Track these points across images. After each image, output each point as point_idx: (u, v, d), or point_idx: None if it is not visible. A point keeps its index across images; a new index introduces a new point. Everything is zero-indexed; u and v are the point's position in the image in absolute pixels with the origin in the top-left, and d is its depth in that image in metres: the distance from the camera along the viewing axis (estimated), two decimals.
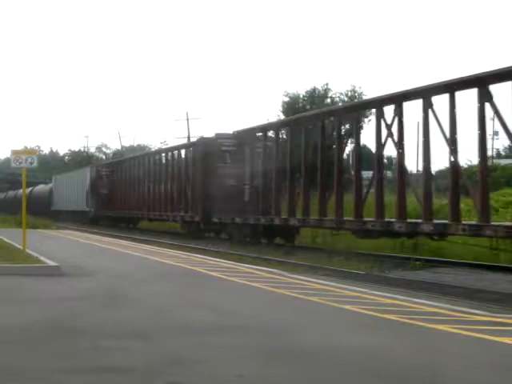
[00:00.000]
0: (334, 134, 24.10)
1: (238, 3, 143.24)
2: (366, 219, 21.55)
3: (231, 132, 31.50)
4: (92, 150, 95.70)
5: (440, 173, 36.85)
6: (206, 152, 31.53)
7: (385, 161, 27.10)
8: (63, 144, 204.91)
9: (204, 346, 7.47)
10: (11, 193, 70.73)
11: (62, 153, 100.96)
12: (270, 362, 6.82)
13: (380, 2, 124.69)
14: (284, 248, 24.69)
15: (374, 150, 21.86)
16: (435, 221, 19.39)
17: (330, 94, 55.32)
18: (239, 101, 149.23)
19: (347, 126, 27.48)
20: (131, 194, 43.82)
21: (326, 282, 13.54)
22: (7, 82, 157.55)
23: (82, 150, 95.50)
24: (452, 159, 18.39)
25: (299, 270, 17.25)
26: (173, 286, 12.78)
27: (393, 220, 20.35)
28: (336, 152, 23.59)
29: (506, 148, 66.24)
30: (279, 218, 25.88)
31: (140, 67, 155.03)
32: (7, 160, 41.56)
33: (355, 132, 23.18)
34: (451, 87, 18.16)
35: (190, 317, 9.36)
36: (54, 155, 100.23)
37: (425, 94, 19.08)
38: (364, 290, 12.38)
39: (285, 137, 28.42)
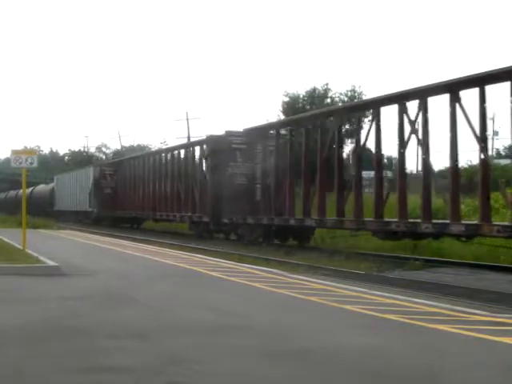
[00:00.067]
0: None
1: (237, 3, 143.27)
2: (388, 219, 20.94)
3: (241, 130, 30.76)
4: (92, 149, 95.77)
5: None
6: (216, 150, 30.74)
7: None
8: (63, 144, 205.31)
9: (204, 346, 7.46)
10: (12, 193, 70.58)
11: (62, 153, 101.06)
12: (270, 362, 6.82)
13: (380, 2, 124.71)
14: (283, 248, 24.68)
15: (395, 149, 21.25)
16: (465, 221, 18.91)
17: (329, 94, 55.28)
18: (239, 101, 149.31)
19: (366, 125, 26.79)
20: (136, 194, 43.14)
21: (326, 282, 13.54)
22: (7, 82, 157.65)
23: (82, 150, 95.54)
24: (482, 157, 18.00)
25: (299, 269, 17.26)
26: (173, 286, 12.78)
27: (418, 220, 19.74)
28: (355, 151, 22.93)
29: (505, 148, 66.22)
30: (294, 218, 25.17)
31: (140, 67, 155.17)
32: (7, 160, 41.49)
33: (376, 131, 22.06)
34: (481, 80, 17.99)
35: (190, 317, 9.35)
36: (54, 155, 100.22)
37: (451, 87, 18.63)
38: (364, 289, 12.37)
39: (298, 135, 27.73)
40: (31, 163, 18.24)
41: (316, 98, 54.36)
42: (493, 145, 52.81)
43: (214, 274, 14.55)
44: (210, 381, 6.20)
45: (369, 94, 53.55)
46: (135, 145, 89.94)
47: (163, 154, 40.56)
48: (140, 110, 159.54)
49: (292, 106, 53.40)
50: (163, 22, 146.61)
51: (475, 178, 21.32)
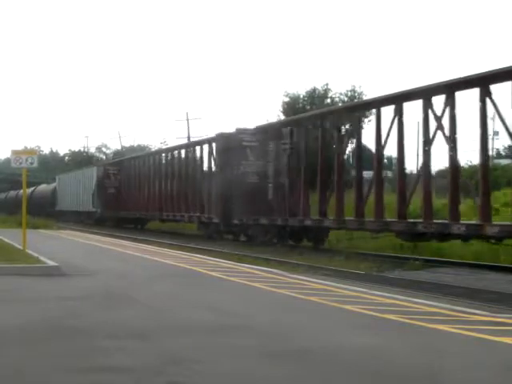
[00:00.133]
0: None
1: (237, 3, 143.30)
2: (414, 220, 20.35)
3: (253, 127, 29.79)
4: (92, 150, 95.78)
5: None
6: (226, 148, 29.75)
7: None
8: (63, 144, 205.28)
9: (204, 346, 7.46)
10: (12, 193, 70.41)
11: (62, 153, 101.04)
12: (270, 362, 6.82)
13: (380, 2, 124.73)
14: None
15: (420, 149, 20.76)
16: (500, 222, 18.36)
17: (329, 94, 55.30)
18: (239, 101, 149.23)
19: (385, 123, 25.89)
20: (141, 194, 42.28)
21: (326, 282, 13.54)
22: (7, 82, 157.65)
23: (82, 150, 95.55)
24: None
25: (299, 269, 17.26)
26: (173, 286, 12.78)
27: (446, 221, 19.09)
28: (375, 149, 22.22)
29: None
30: (311, 219, 24.32)
31: (140, 67, 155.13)
32: (7, 160, 41.41)
33: (398, 131, 21.14)
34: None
35: (190, 317, 9.35)
36: (54, 155, 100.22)
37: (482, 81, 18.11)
38: (364, 290, 12.38)
39: (312, 132, 26.79)
40: (31, 163, 18.25)
41: (316, 98, 54.35)
42: (493, 145, 52.73)
43: (213, 273, 14.55)
44: (210, 381, 6.20)
45: (369, 94, 53.58)
46: (135, 145, 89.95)
47: (169, 153, 39.63)
48: (140, 109, 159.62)
49: (292, 106, 53.40)
50: (163, 22, 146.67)
51: None
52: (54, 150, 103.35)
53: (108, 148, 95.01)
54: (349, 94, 54.57)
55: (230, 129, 30.93)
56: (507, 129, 17.55)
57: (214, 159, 31.38)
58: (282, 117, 51.25)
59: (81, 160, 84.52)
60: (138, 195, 42.96)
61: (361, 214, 22.04)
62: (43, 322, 8.83)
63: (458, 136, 19.26)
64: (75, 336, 7.97)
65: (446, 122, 19.17)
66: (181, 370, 6.40)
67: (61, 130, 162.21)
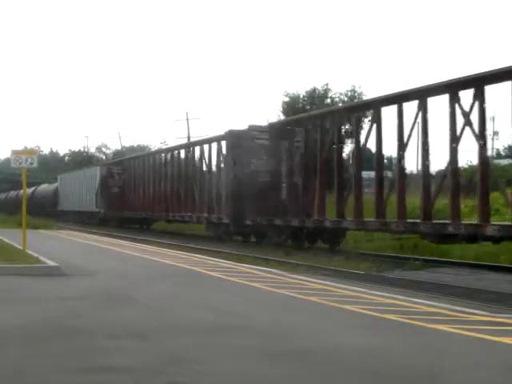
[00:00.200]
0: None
1: (237, 3, 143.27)
2: (443, 221, 19.40)
3: (265, 124, 28.93)
4: (92, 150, 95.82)
5: None
6: (237, 146, 28.64)
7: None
8: (63, 144, 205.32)
9: (204, 346, 7.46)
10: (12, 193, 70.20)
11: (62, 153, 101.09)
12: (270, 362, 6.82)
13: (380, 2, 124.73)
14: (285, 248, 24.62)
15: (447, 148, 19.35)
16: None
17: (330, 94, 55.33)
18: (239, 101, 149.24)
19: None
20: (146, 194, 41.28)
21: (325, 282, 13.54)
22: (7, 82, 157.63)
23: (82, 150, 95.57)
24: None
25: (299, 269, 17.25)
26: (172, 286, 12.78)
27: (476, 222, 18.34)
28: (397, 147, 21.20)
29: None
30: (330, 219, 23.37)
31: (140, 67, 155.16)
32: (7, 160, 41.32)
33: (423, 128, 20.17)
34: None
35: (190, 317, 9.36)
36: (54, 155, 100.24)
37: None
38: (364, 290, 12.38)
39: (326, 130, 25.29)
40: (31, 163, 18.25)
41: (316, 98, 54.37)
42: (493, 145, 52.71)
43: (213, 273, 14.55)
44: (210, 381, 6.20)
45: (369, 94, 53.59)
46: (135, 145, 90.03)
47: (175, 151, 38.58)
48: (140, 109, 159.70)
49: (292, 107, 53.42)
50: (163, 22, 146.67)
51: None
52: (54, 150, 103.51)
53: (108, 148, 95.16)
54: (349, 94, 54.60)
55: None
56: None
57: (224, 158, 30.23)
58: (282, 117, 51.21)
59: (81, 160, 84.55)
60: (143, 195, 41.96)
61: (382, 215, 21.27)
62: (43, 322, 8.83)
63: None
64: (75, 336, 7.97)
65: (473, 118, 18.36)
66: (181, 369, 6.41)
67: (61, 129, 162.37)
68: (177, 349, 7.31)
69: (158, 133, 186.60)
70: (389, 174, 23.51)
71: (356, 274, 17.33)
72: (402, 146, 20.96)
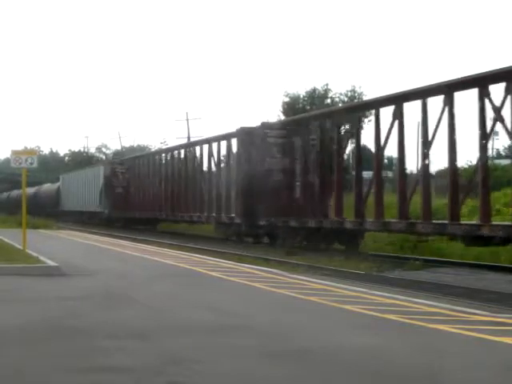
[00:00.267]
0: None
1: (237, 3, 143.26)
2: (477, 223, 18.23)
3: (279, 121, 28.61)
4: (92, 150, 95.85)
5: None
6: (249, 144, 27.80)
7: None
8: (63, 144, 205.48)
9: (204, 346, 7.46)
10: (14, 192, 70.04)
11: (62, 153, 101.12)
12: (270, 362, 6.81)
13: (380, 2, 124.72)
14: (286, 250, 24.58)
15: (473, 146, 18.65)
16: None
17: (330, 95, 55.36)
18: (239, 101, 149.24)
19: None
20: (152, 194, 40.51)
21: (326, 282, 13.54)
22: (7, 82, 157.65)
23: (82, 150, 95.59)
24: None
25: (299, 270, 17.26)
26: (173, 286, 12.78)
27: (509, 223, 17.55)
28: (421, 145, 20.38)
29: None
30: (350, 220, 22.37)
31: (140, 67, 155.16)
32: (7, 160, 41.26)
33: (449, 125, 19.11)
34: None
35: (190, 317, 9.35)
36: (54, 155, 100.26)
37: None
38: (364, 290, 12.37)
39: (347, 126, 24.36)
40: (31, 163, 18.25)
41: (316, 98, 54.39)
42: (493, 145, 52.63)
43: (213, 273, 14.55)
44: (210, 381, 6.20)
45: (369, 94, 53.61)
46: (135, 145, 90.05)
47: (182, 150, 37.76)
48: (140, 109, 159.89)
49: (292, 107, 53.43)
50: (163, 22, 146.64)
51: None
52: (54, 150, 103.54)
53: (108, 148, 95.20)
54: (349, 94, 54.62)
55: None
56: None
57: (235, 156, 29.30)
58: (282, 117, 51.19)
59: (81, 160, 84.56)
60: (148, 195, 41.22)
61: (405, 216, 20.41)
62: (43, 322, 8.83)
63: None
64: (75, 336, 7.96)
65: (505, 113, 17.56)
66: (181, 369, 6.40)
67: (61, 129, 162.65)
68: (177, 349, 7.31)
69: (158, 133, 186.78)
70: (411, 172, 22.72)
71: (356, 273, 17.34)
72: (427, 144, 19.97)
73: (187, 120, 75.39)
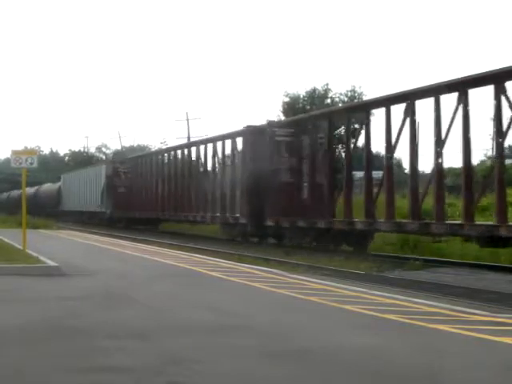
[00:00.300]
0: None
1: (237, 3, 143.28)
2: (495, 223, 17.64)
3: (286, 119, 27.72)
4: (92, 150, 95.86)
5: None
6: (255, 142, 27.16)
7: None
8: (63, 144, 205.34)
9: (204, 346, 7.46)
10: (14, 192, 69.94)
11: (62, 153, 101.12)
12: (270, 362, 6.82)
13: (380, 2, 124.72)
14: (284, 248, 24.58)
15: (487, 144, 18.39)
16: None
17: (330, 95, 55.33)
18: (239, 101, 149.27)
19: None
20: (155, 193, 39.82)
21: (326, 282, 13.54)
22: (7, 82, 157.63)
23: (82, 150, 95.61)
24: None
25: (299, 269, 17.26)
26: (173, 286, 12.78)
27: None
28: (434, 143, 19.36)
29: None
30: (362, 221, 21.82)
31: (140, 67, 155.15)
32: (7, 160, 41.17)
33: (464, 123, 18.63)
34: None
35: (190, 317, 9.35)
36: (54, 155, 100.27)
37: None
38: (364, 290, 12.37)
39: (356, 125, 23.37)
40: (31, 163, 18.25)
41: (316, 98, 54.37)
42: (493, 144, 52.46)
43: (213, 273, 14.55)
44: (210, 381, 6.20)
45: (369, 94, 53.60)
46: (135, 145, 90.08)
47: (186, 149, 37.09)
48: (140, 109, 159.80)
49: (292, 107, 53.40)
50: (163, 22, 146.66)
51: None
52: (54, 150, 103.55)
53: (108, 148, 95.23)
54: (349, 94, 54.60)
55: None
56: None
57: (241, 155, 28.68)
58: (282, 117, 51.17)
59: (81, 160, 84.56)
60: (151, 194, 40.61)
61: (417, 216, 19.91)
62: (43, 322, 8.83)
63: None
64: (75, 336, 7.97)
65: None
66: (181, 369, 6.40)
67: (61, 129, 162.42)
68: (177, 349, 7.31)
69: (158, 133, 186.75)
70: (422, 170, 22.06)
71: (356, 274, 17.34)
72: (440, 143, 19.36)
73: (187, 120, 75.38)
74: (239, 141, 29.36)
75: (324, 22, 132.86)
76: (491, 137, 18.26)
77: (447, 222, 19.55)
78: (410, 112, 20.25)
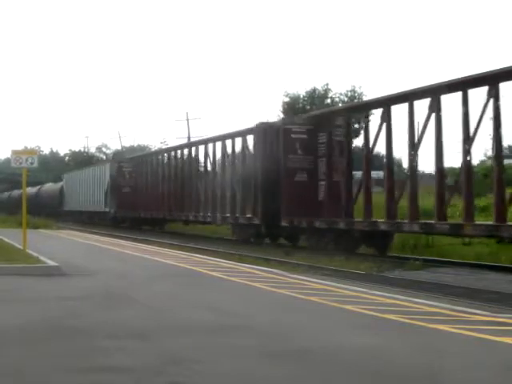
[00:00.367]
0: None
1: (237, 3, 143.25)
2: None
3: (302, 116, 26.65)
4: (92, 150, 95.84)
5: None
6: (268, 140, 26.35)
7: None
8: (63, 144, 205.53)
9: (204, 346, 7.45)
10: (15, 192, 69.79)
11: (62, 153, 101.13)
12: (270, 362, 6.81)
13: (380, 2, 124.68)
14: (284, 248, 24.56)
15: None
16: None
17: (330, 95, 55.37)
18: (239, 101, 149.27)
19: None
20: (161, 193, 38.97)
21: (326, 282, 13.53)
22: (7, 82, 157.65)
23: (83, 150, 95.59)
24: None
25: (299, 269, 17.25)
26: (173, 286, 12.77)
27: None
28: (462, 141, 18.55)
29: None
30: (385, 221, 20.88)
31: (140, 67, 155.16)
32: (7, 160, 41.06)
33: (495, 118, 17.85)
34: None
35: (190, 317, 9.35)
36: (54, 155, 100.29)
37: None
38: (364, 290, 12.37)
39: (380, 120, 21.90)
40: (31, 163, 18.25)
41: (316, 98, 54.40)
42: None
43: (214, 273, 14.55)
44: (210, 381, 6.19)
45: (369, 94, 53.62)
46: (135, 145, 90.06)
47: (193, 148, 36.00)
48: (140, 109, 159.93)
49: (292, 107, 53.47)
50: (163, 22, 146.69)
51: None
52: (54, 150, 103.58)
53: (108, 148, 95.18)
54: (349, 94, 54.64)
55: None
56: None
57: (253, 152, 27.72)
58: (282, 117, 51.13)
59: (81, 160, 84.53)
60: (157, 194, 39.64)
61: (443, 217, 19.11)
62: (43, 322, 8.82)
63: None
64: (75, 336, 7.96)
65: None
66: (181, 369, 6.40)
67: (61, 129, 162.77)
68: (177, 349, 7.30)
69: (158, 133, 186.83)
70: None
71: (356, 274, 17.33)
72: (468, 140, 18.53)
73: (187, 120, 75.39)
74: (250, 139, 28.57)
75: (324, 22, 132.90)
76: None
77: (479, 222, 18.71)
78: (435, 107, 19.46)
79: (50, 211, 55.94)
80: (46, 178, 70.80)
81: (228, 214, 29.64)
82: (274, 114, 68.20)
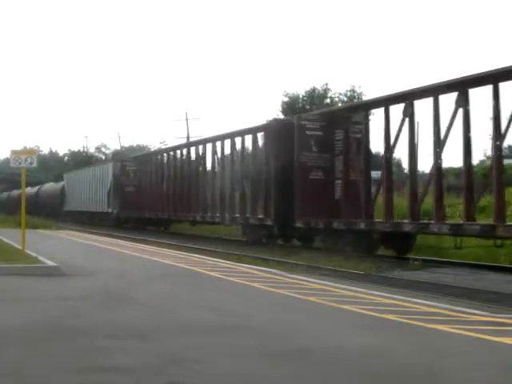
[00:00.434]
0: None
1: (237, 3, 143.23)
2: None
3: (317, 112, 25.81)
4: (91, 150, 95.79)
5: None
6: (283, 137, 25.40)
7: None
8: (63, 144, 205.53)
9: (204, 346, 7.46)
10: (14, 192, 69.60)
11: (61, 153, 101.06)
12: (270, 362, 6.82)
13: (380, 2, 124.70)
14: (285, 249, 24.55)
15: None
16: None
17: (329, 94, 55.39)
18: (239, 101, 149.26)
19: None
20: (165, 193, 38.08)
21: (324, 282, 13.54)
22: (7, 82, 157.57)
23: (82, 150, 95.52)
24: None
25: (298, 269, 17.25)
26: (172, 286, 12.78)
27: None
28: (493, 139, 17.71)
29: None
30: (410, 222, 19.96)
31: (140, 67, 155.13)
32: (7, 160, 40.98)
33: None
34: None
35: (190, 317, 9.36)
36: (53, 155, 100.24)
37: None
38: (363, 290, 12.38)
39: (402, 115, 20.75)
40: (31, 163, 18.24)
41: (316, 98, 54.42)
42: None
43: (212, 273, 14.55)
44: (210, 381, 6.20)
45: (369, 94, 53.64)
46: (134, 145, 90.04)
47: (200, 146, 34.64)
48: (140, 110, 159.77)
49: (292, 106, 53.48)
50: (163, 22, 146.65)
51: None
52: (54, 150, 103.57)
53: (107, 148, 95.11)
54: (348, 94, 54.66)
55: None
56: None
57: (268, 150, 26.65)
58: (282, 117, 51.06)
59: (80, 160, 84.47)
60: (162, 193, 38.74)
61: (471, 217, 18.20)
62: (43, 322, 8.83)
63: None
64: (75, 336, 7.97)
65: None
66: (181, 370, 6.41)
67: (60, 130, 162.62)
68: (177, 349, 7.31)
69: (158, 133, 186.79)
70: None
71: (355, 274, 17.34)
72: (500, 137, 17.64)
73: (187, 120, 75.39)
74: (260, 136, 27.61)
75: (323, 22, 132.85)
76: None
77: (510, 223, 17.61)
78: (463, 102, 18.52)
79: (51, 211, 55.76)
80: (46, 178, 70.80)
81: (237, 215, 28.79)
82: (274, 114, 68.23)
